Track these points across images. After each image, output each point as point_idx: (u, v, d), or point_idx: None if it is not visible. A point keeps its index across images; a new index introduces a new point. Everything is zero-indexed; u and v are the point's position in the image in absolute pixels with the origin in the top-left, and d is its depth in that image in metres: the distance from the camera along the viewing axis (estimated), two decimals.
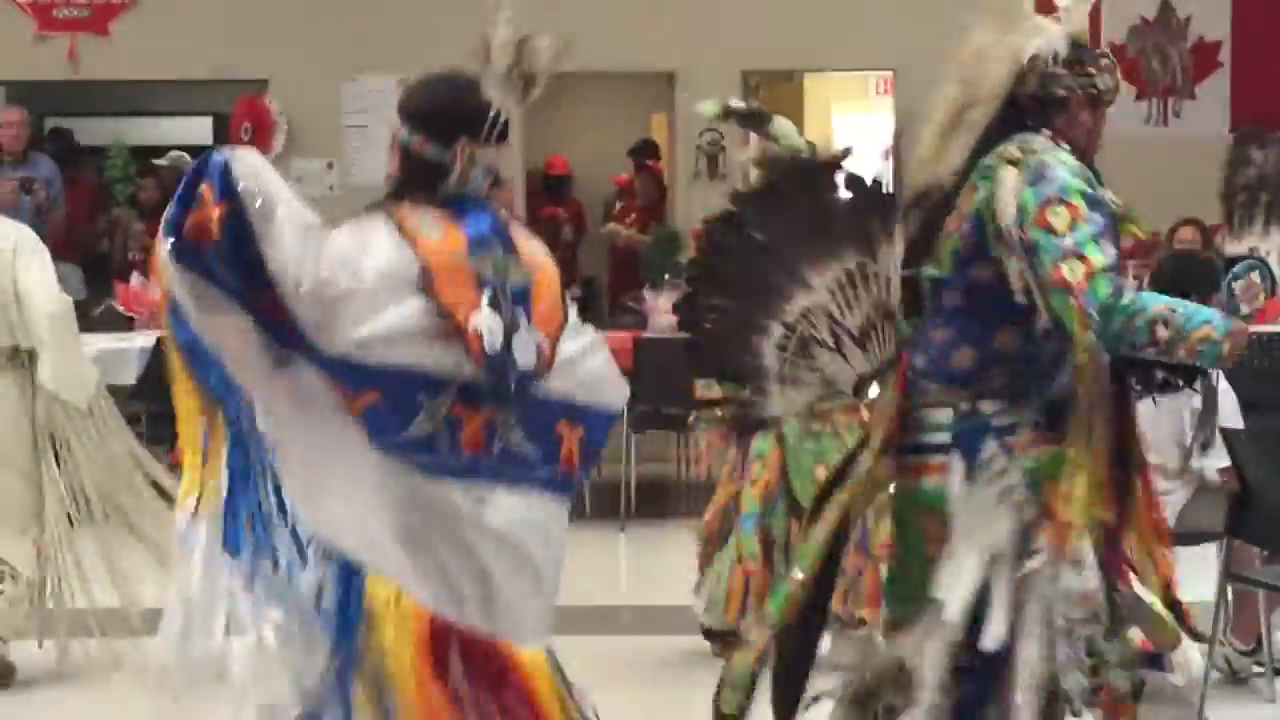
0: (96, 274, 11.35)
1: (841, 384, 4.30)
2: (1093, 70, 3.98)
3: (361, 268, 3.43)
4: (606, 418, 3.76)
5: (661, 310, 9.74)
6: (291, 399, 3.49)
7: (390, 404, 3.45)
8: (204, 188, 3.36)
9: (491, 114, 3.58)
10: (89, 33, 12.50)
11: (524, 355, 3.53)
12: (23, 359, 6.34)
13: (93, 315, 9.87)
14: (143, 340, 9.35)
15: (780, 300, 4.33)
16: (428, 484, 3.49)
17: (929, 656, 3.87)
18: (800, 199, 4.38)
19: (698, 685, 6.47)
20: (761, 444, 6.44)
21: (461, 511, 3.51)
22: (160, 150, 13.20)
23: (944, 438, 3.92)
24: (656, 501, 9.49)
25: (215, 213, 3.35)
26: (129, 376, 9.05)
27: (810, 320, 4.29)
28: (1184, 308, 3.72)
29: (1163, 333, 3.67)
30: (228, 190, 3.36)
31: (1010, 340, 3.90)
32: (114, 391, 6.72)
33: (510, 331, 3.52)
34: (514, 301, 3.54)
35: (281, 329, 3.42)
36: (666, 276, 10.44)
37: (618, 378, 3.82)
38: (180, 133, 15.05)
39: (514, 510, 3.56)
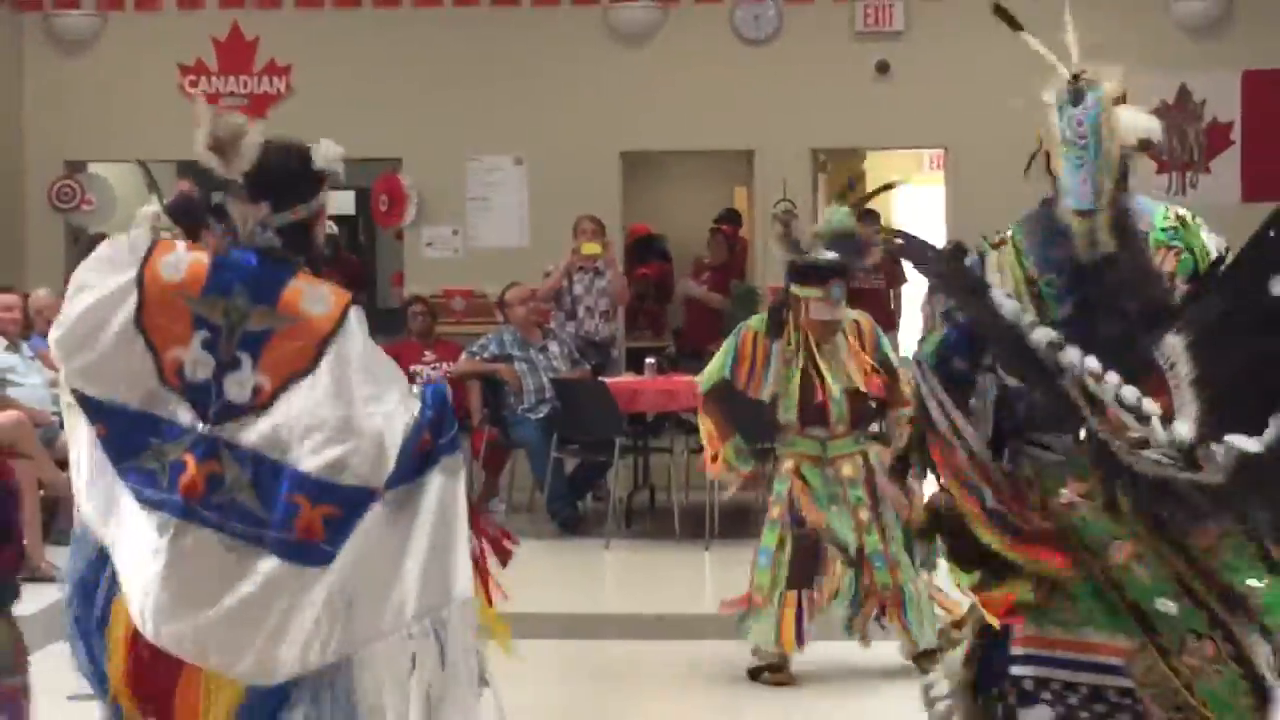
0: None
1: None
2: None
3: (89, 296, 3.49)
4: (360, 495, 3.42)
5: None
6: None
7: (114, 438, 3.45)
8: None
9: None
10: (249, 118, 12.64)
11: (236, 391, 3.44)
12: None
13: None
14: None
15: None
16: (139, 509, 3.43)
17: None
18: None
19: (771, 684, 6.48)
20: (779, 485, 6.38)
21: (145, 535, 3.42)
22: None
23: None
24: (738, 524, 9.43)
25: None
26: None
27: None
28: None
29: None
30: None
31: None
32: None
33: (226, 369, 3.43)
34: (244, 344, 3.45)
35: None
36: None
37: (376, 466, 3.44)
38: (328, 205, 15.20)
39: (201, 552, 3.40)
